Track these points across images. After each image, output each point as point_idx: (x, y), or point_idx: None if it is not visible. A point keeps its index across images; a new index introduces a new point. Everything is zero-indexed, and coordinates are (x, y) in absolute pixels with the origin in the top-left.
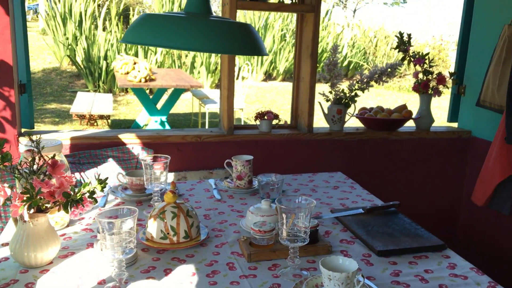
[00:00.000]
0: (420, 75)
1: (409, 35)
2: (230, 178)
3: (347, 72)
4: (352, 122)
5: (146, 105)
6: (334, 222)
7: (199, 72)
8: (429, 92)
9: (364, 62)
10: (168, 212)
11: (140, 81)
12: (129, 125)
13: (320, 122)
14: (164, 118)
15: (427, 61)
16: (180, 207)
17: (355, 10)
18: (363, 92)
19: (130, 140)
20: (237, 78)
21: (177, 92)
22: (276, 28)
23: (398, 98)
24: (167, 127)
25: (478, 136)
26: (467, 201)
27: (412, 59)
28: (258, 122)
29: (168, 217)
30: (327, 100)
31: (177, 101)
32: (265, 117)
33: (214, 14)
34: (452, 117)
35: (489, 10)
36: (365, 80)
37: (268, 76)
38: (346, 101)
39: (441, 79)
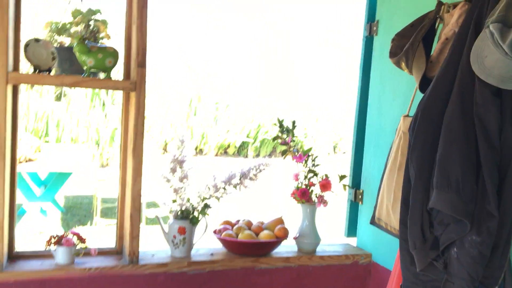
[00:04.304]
0: (302, 177)
1: (293, 122)
2: None
3: None
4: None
5: (22, 190)
6: None
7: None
8: (313, 201)
9: None
10: None
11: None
12: None
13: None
14: (45, 204)
15: (311, 158)
16: None
17: None
18: (218, 201)
19: None
20: None
21: (63, 174)
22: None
23: None
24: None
25: (380, 262)
26: None
27: (294, 154)
28: (53, 248)
29: None
30: (171, 212)
31: (63, 184)
32: (62, 243)
33: None
34: (350, 231)
35: (386, 95)
36: (219, 187)
37: (199, 152)
38: (193, 215)
39: (325, 184)
